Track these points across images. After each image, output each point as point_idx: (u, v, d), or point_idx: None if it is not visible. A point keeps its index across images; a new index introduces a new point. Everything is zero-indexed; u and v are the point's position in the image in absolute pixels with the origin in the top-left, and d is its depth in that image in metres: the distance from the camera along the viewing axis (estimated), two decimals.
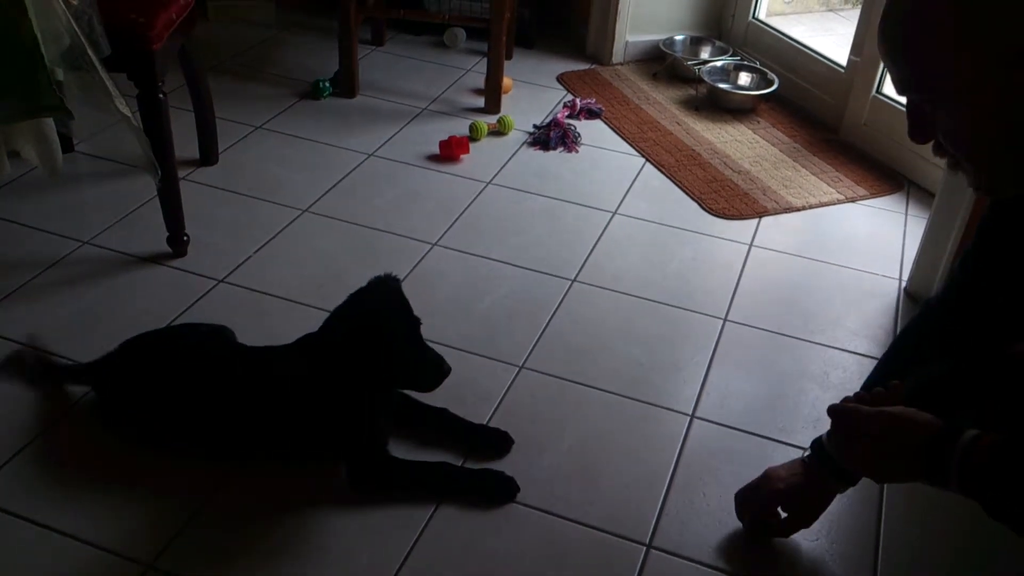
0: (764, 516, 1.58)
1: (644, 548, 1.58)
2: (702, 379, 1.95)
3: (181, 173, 2.43)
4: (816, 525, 1.62)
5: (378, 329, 1.56)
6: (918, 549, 1.62)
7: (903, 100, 1.08)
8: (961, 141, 1.04)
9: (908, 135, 1.09)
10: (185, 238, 2.22)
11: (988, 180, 1.07)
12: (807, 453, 1.58)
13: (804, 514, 1.56)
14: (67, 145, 2.54)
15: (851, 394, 1.36)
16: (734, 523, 1.63)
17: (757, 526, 1.59)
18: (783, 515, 1.57)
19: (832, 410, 1.28)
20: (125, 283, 2.12)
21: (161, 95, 2.03)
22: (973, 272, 1.36)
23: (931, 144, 1.08)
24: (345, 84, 3.02)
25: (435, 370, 1.62)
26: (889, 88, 2.79)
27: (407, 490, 1.64)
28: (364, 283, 1.64)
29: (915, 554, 1.60)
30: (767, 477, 1.58)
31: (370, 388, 1.62)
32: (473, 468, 1.69)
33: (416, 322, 1.61)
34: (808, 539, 1.61)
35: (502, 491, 1.65)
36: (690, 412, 1.87)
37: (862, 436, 1.21)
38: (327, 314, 1.63)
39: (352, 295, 1.62)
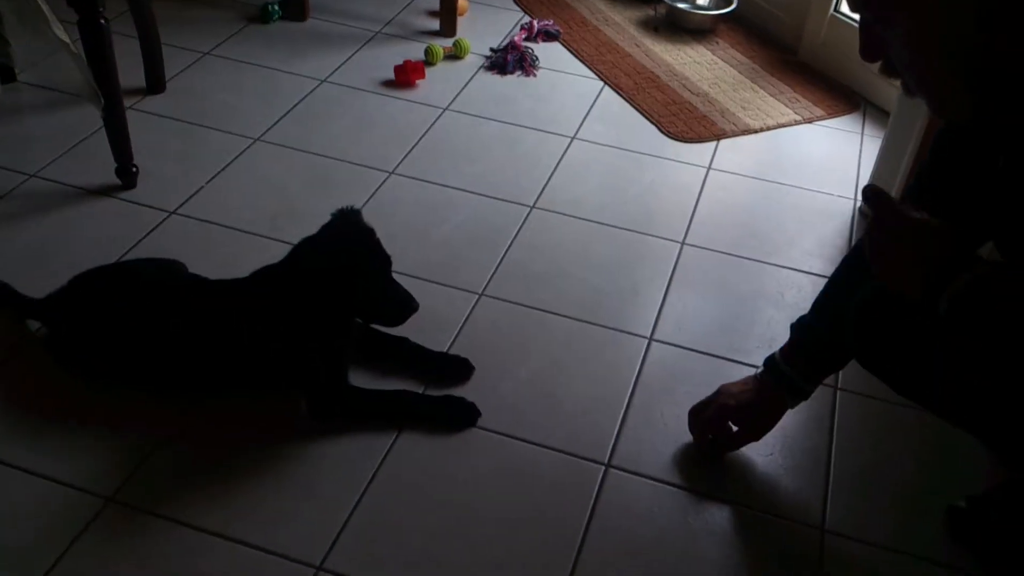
0: (714, 430, 1.62)
1: (603, 467, 1.61)
2: (660, 302, 1.97)
3: (127, 102, 2.36)
4: (770, 440, 1.67)
5: (354, 268, 1.55)
6: (870, 463, 1.66)
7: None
8: (910, 63, 1.04)
9: (859, 53, 1.08)
10: (134, 169, 2.17)
11: (936, 102, 1.07)
12: (760, 370, 1.61)
13: (754, 428, 1.59)
14: (8, 75, 2.45)
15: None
16: (690, 441, 1.66)
17: (707, 440, 1.63)
18: (734, 429, 1.61)
19: (871, 189, 1.13)
20: (74, 217, 2.08)
21: (103, 20, 1.96)
22: (926, 189, 1.37)
23: (879, 66, 1.08)
24: (295, 7, 2.93)
25: (403, 307, 1.62)
26: (846, 7, 2.77)
27: (368, 419, 1.65)
28: (319, 214, 1.62)
29: (866, 468, 1.65)
30: (719, 393, 1.62)
31: (334, 322, 1.62)
32: (434, 395, 1.71)
33: (387, 260, 1.61)
34: (762, 454, 1.65)
35: (463, 416, 1.67)
36: (648, 335, 1.89)
37: (887, 230, 1.11)
38: (281, 244, 1.61)
39: (321, 230, 1.60)
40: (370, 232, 1.62)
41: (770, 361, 1.58)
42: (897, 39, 1.03)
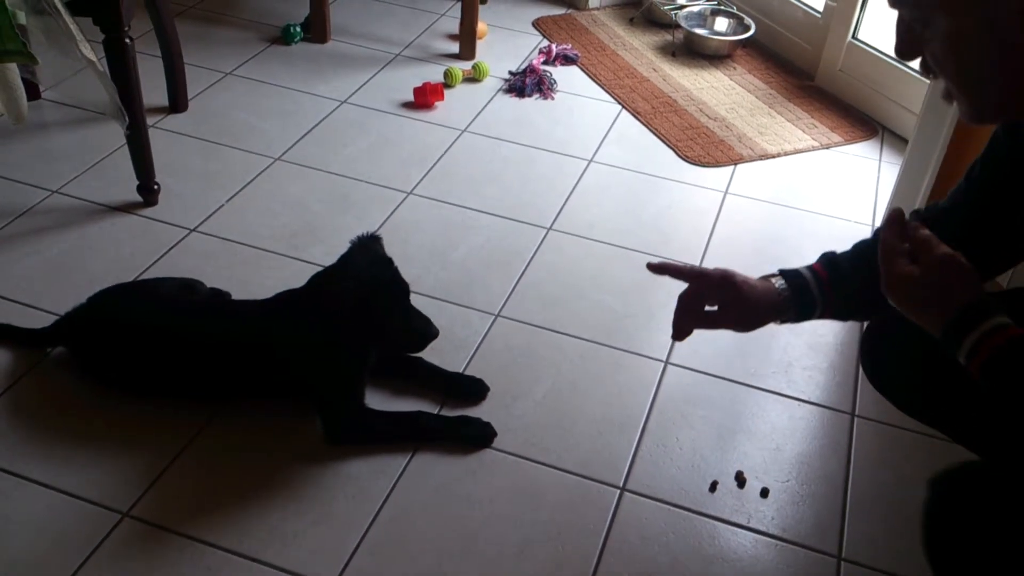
0: (697, 302, 1.33)
1: (618, 491, 1.60)
2: None
3: (150, 120, 2.39)
4: (786, 466, 1.66)
5: (369, 301, 1.56)
6: (887, 490, 1.65)
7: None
8: (946, 62, 1.02)
9: (895, 50, 1.06)
10: (155, 187, 2.19)
11: (973, 105, 1.05)
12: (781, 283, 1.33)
13: (738, 313, 1.31)
14: (33, 92, 2.49)
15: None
16: (707, 467, 1.66)
17: (685, 312, 1.34)
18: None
19: (898, 213, 1.08)
20: (95, 233, 2.10)
21: (127, 40, 1.99)
22: (951, 215, 1.30)
23: (919, 62, 1.06)
24: (316, 29, 2.97)
25: (422, 335, 1.64)
26: (865, 34, 2.78)
27: (384, 442, 1.65)
28: (338, 233, 1.64)
29: (883, 495, 1.64)
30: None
31: (352, 348, 1.63)
32: (449, 416, 1.71)
33: (406, 289, 1.62)
34: (779, 480, 1.64)
35: (479, 437, 1.67)
36: (664, 358, 1.88)
37: (903, 257, 1.06)
38: (300, 263, 1.62)
39: (340, 260, 1.61)
40: (388, 261, 1.63)
41: (794, 275, 1.33)
42: (935, 38, 1.01)
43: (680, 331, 1.34)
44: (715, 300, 1.31)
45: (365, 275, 1.58)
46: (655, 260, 1.41)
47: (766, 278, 1.33)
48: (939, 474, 1.21)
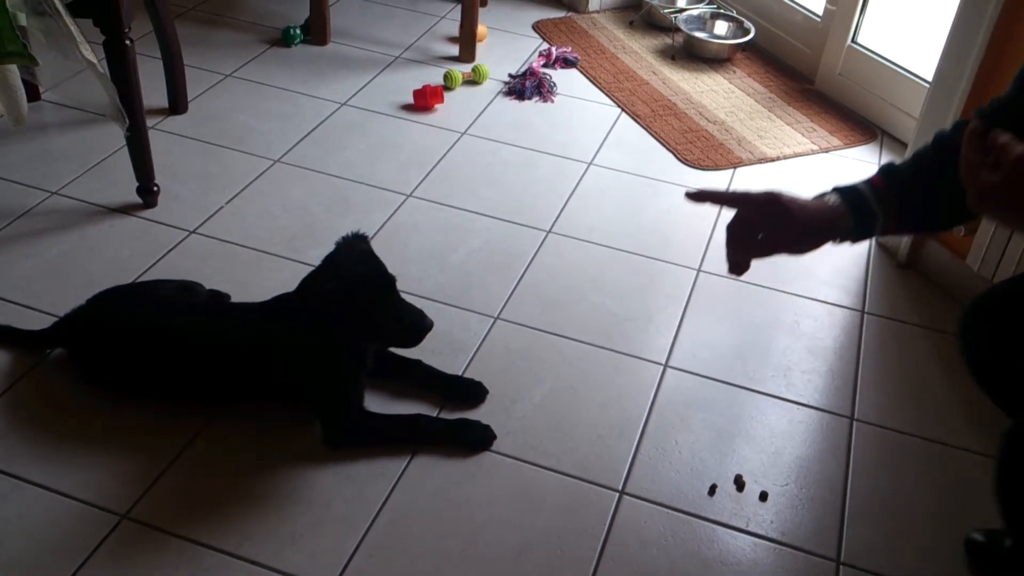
0: (746, 230, 1.22)
1: (617, 494, 1.60)
2: (675, 329, 1.97)
3: (150, 122, 2.39)
4: (785, 470, 1.66)
5: (355, 297, 1.55)
6: (886, 495, 1.65)
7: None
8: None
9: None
10: (155, 188, 2.19)
11: None
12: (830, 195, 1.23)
13: (791, 234, 1.20)
14: (33, 93, 2.49)
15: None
16: (706, 470, 1.66)
17: (736, 244, 1.23)
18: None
19: (974, 128, 1.03)
20: (94, 234, 2.10)
21: (128, 41, 1.99)
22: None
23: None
24: (316, 31, 2.97)
25: (416, 327, 1.62)
26: (864, 38, 2.78)
27: (383, 444, 1.65)
28: (337, 235, 1.63)
29: (882, 500, 1.64)
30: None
31: (348, 349, 1.62)
32: (449, 418, 1.71)
33: (391, 281, 1.61)
34: (777, 484, 1.64)
35: (478, 439, 1.66)
36: (663, 362, 1.88)
37: (984, 168, 1.01)
38: (299, 265, 1.62)
39: (324, 260, 1.61)
40: (369, 255, 1.62)
41: (851, 191, 1.23)
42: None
43: (737, 265, 1.22)
44: (764, 224, 1.19)
45: (348, 272, 1.58)
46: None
47: (818, 197, 1.23)
48: (1010, 427, 1.18)
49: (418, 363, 1.77)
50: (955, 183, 1.06)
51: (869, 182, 1.21)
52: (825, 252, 2.21)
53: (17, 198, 2.19)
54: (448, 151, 2.50)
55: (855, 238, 1.20)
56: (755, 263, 1.21)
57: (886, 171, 1.22)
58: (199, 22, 3.05)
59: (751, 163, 2.56)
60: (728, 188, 2.45)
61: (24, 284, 1.93)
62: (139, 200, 2.19)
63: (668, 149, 2.60)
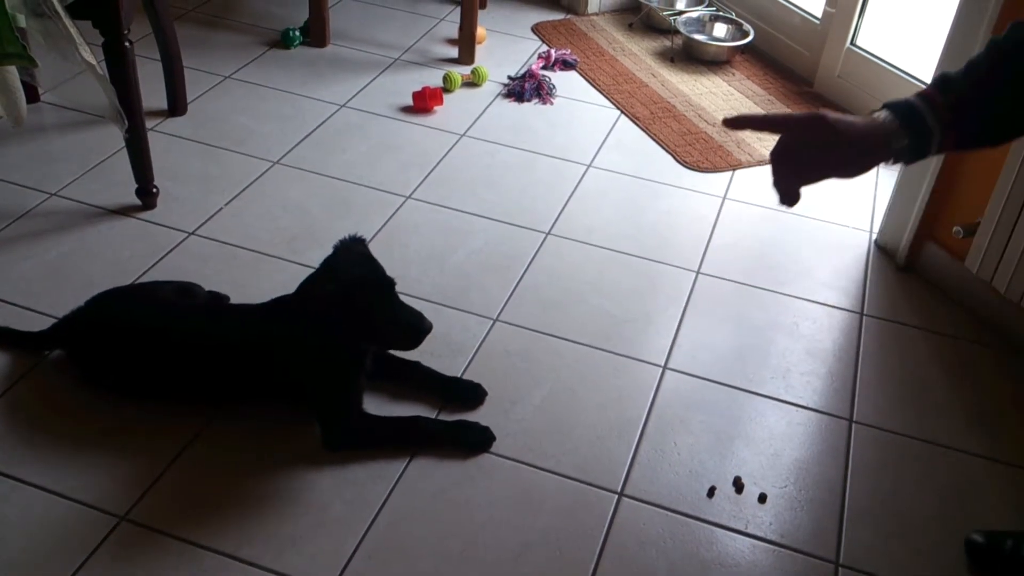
0: (792, 155, 1.15)
1: (616, 496, 1.60)
2: (674, 331, 1.97)
3: (149, 124, 2.39)
4: (784, 472, 1.66)
5: (354, 299, 1.55)
6: (885, 496, 1.65)
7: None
8: None
9: None
10: (154, 190, 2.19)
11: None
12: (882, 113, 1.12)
13: (840, 155, 1.12)
14: (32, 95, 2.49)
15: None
16: (705, 472, 1.66)
17: (783, 172, 1.16)
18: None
19: None
20: (94, 236, 2.10)
21: (127, 43, 1.99)
22: None
23: None
24: (316, 33, 2.97)
25: (415, 329, 1.61)
26: (863, 40, 2.78)
27: (382, 446, 1.65)
28: (337, 237, 1.63)
29: (881, 501, 1.64)
30: None
31: (347, 351, 1.62)
32: (448, 420, 1.71)
33: (390, 283, 1.61)
34: (776, 486, 1.64)
35: (478, 441, 1.66)
36: (662, 363, 1.89)
37: None
38: (298, 267, 1.62)
39: (322, 264, 1.61)
40: (370, 259, 1.62)
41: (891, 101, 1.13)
42: None
43: (787, 194, 1.14)
44: (811, 146, 1.11)
45: (347, 275, 1.58)
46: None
47: (868, 115, 1.12)
48: None
49: (417, 365, 1.77)
50: (1018, 90, 1.01)
51: (922, 95, 1.11)
52: (824, 254, 2.20)
53: (16, 199, 2.18)
54: (447, 153, 2.51)
55: (909, 158, 1.11)
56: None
57: (940, 82, 1.12)
58: (198, 24, 3.06)
59: (750, 165, 2.56)
60: (725, 195, 2.45)
61: (23, 285, 1.93)
62: (138, 202, 2.19)
63: (667, 151, 2.60)
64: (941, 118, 1.08)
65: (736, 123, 1.14)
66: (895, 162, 1.11)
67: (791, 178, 1.14)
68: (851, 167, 1.12)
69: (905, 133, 1.08)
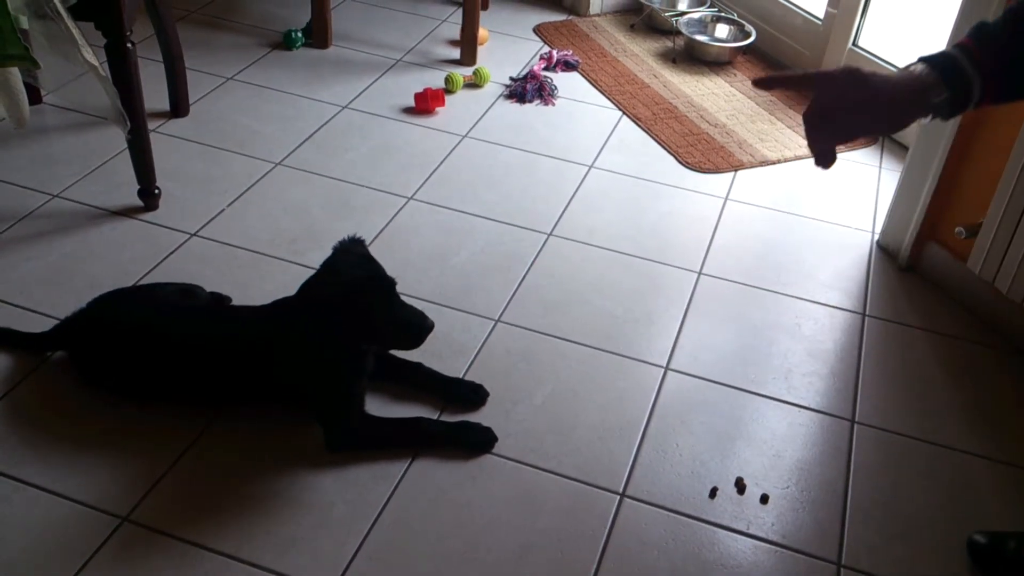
0: (825, 114, 1.08)
1: (618, 497, 1.60)
2: (676, 332, 1.97)
3: (151, 125, 2.40)
4: (786, 473, 1.66)
5: (355, 300, 1.55)
6: (887, 497, 1.65)
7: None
8: None
9: None
10: (156, 191, 2.19)
11: None
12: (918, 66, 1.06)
13: (876, 111, 1.05)
14: (35, 96, 2.49)
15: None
16: (706, 473, 1.66)
17: (817, 131, 1.09)
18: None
19: None
20: (96, 237, 2.10)
21: (129, 44, 1.99)
22: None
23: None
24: (318, 34, 2.97)
25: (417, 329, 1.61)
26: (865, 41, 2.78)
27: (384, 447, 1.65)
28: (338, 238, 1.63)
29: (883, 502, 1.64)
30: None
31: (349, 353, 1.62)
32: (450, 421, 1.71)
33: (391, 284, 1.61)
34: (778, 487, 1.64)
35: (479, 442, 1.66)
36: (664, 364, 1.88)
37: None
38: (300, 268, 1.63)
39: (322, 266, 1.61)
40: (370, 260, 1.63)
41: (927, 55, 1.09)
42: None
43: (822, 155, 1.08)
44: (845, 103, 1.05)
45: (347, 276, 1.58)
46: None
47: (904, 68, 1.07)
48: None
49: (419, 366, 1.77)
50: None
51: (959, 45, 1.05)
52: (826, 255, 2.20)
53: (18, 201, 2.19)
54: (449, 154, 2.51)
55: (948, 112, 1.05)
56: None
57: (978, 32, 1.07)
58: (201, 25, 3.06)
59: (752, 166, 2.56)
60: (727, 196, 2.45)
61: (25, 287, 1.93)
62: (140, 203, 2.19)
63: (669, 152, 2.60)
64: (981, 69, 1.03)
65: (767, 83, 1.11)
66: (933, 117, 1.06)
67: (827, 138, 1.07)
68: (887, 124, 1.06)
69: (945, 86, 1.02)
